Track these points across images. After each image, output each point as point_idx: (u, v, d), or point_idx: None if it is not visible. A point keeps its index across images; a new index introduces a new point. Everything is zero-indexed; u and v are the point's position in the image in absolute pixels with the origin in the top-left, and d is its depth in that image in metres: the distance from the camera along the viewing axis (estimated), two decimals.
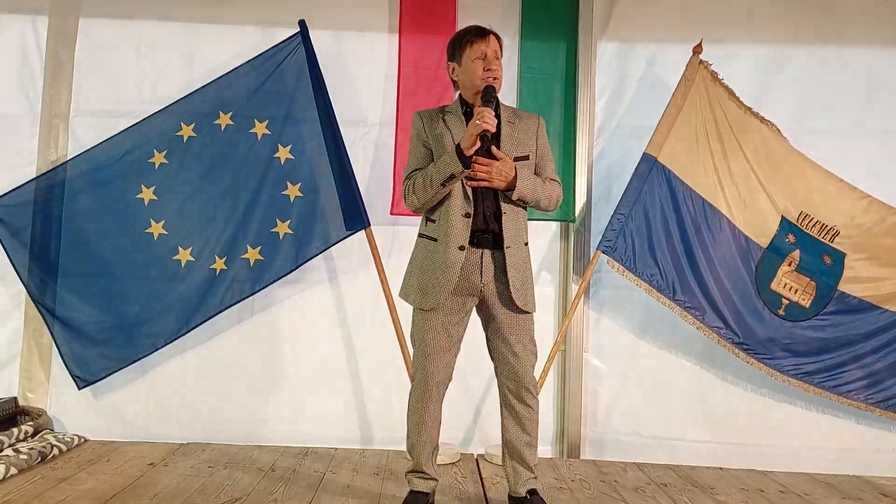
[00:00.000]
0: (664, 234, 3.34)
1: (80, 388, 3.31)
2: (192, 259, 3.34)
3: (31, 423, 3.26)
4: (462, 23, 3.57)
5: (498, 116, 2.42)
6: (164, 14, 3.58)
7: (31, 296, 3.33)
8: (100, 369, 3.31)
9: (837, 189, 3.38)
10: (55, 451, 3.07)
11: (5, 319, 3.47)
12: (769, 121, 3.39)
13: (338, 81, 3.49)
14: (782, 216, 3.38)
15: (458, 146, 2.31)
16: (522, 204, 2.46)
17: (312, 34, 3.39)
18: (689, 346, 3.50)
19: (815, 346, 3.39)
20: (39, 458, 2.97)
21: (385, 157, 3.54)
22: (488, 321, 2.49)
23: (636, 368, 3.54)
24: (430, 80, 3.55)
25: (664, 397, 3.52)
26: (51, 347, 3.40)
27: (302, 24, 3.39)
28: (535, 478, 2.55)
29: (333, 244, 3.37)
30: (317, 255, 3.37)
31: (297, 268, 3.35)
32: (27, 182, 3.33)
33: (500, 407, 2.54)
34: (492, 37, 2.45)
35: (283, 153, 3.39)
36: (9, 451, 2.94)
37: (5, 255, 3.31)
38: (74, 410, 3.41)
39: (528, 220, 2.54)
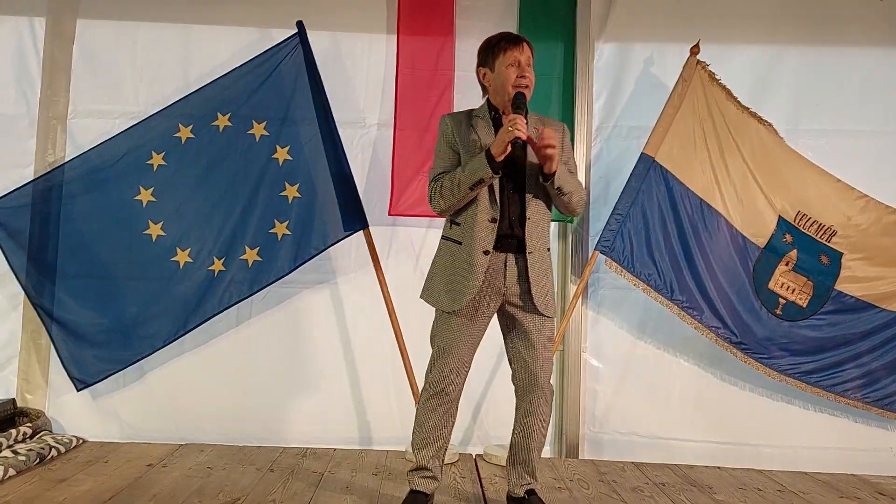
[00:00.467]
0: (662, 234, 3.34)
1: (78, 390, 3.31)
2: (190, 260, 3.33)
3: (29, 424, 3.25)
4: (461, 24, 3.59)
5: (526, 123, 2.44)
6: (161, 15, 3.58)
7: (29, 298, 3.33)
8: (98, 371, 3.31)
9: (834, 189, 3.39)
10: (53, 452, 3.07)
11: (3, 321, 3.47)
12: (766, 121, 3.40)
13: (336, 82, 3.49)
14: (779, 216, 3.39)
15: (488, 151, 2.33)
16: (548, 206, 2.48)
17: (310, 35, 3.40)
18: (687, 345, 3.51)
19: (813, 345, 3.40)
20: (38, 460, 2.96)
21: (383, 157, 3.54)
22: (510, 325, 2.49)
23: (634, 368, 3.55)
24: (429, 81, 3.55)
25: (662, 397, 3.53)
26: (49, 349, 3.40)
27: (300, 24, 3.39)
28: (537, 481, 2.56)
29: (332, 245, 3.37)
30: (315, 255, 3.37)
31: (295, 268, 3.35)
32: (25, 184, 3.33)
33: (516, 410, 2.53)
34: (525, 44, 2.46)
35: (282, 154, 3.39)
36: (7, 453, 2.93)
37: (3, 258, 3.30)
38: (73, 412, 3.41)
39: None
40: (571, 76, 3.55)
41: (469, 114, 2.53)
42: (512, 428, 2.54)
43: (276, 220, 3.35)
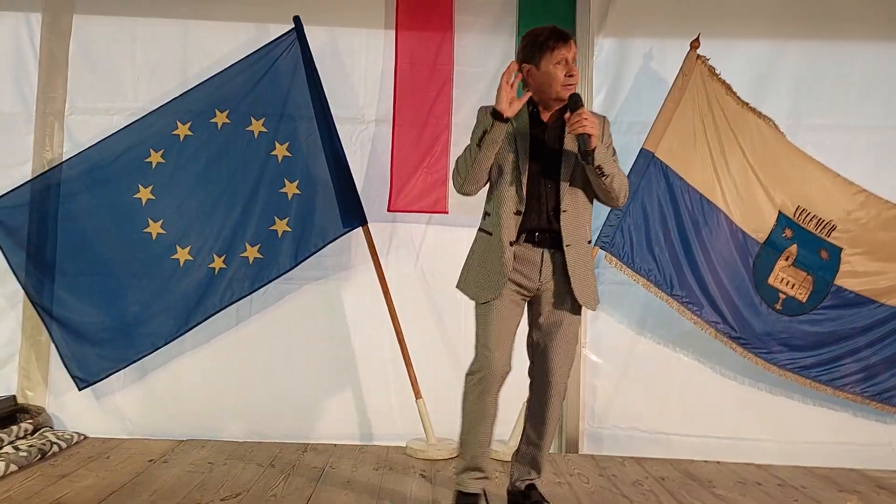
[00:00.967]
0: (662, 230, 3.35)
1: (80, 389, 3.32)
2: (190, 258, 3.33)
3: (30, 420, 3.27)
4: (459, 19, 3.57)
5: (562, 116, 2.40)
6: (158, 11, 3.57)
7: (28, 297, 3.33)
8: (99, 370, 3.31)
9: (834, 184, 3.39)
10: (55, 448, 3.08)
11: (3, 318, 3.48)
12: (766, 116, 3.40)
13: (334, 78, 3.49)
14: (779, 211, 3.39)
15: (494, 109, 2.31)
16: (588, 198, 2.44)
17: (308, 30, 3.39)
18: (687, 340, 3.51)
19: (812, 340, 3.40)
20: (39, 456, 2.97)
21: (382, 153, 3.53)
22: (537, 319, 2.46)
23: (634, 363, 3.55)
24: (428, 77, 3.54)
25: (662, 392, 3.53)
26: (49, 346, 3.40)
27: (297, 20, 3.38)
28: (540, 477, 2.56)
29: (331, 241, 3.37)
30: (315, 252, 3.37)
31: (296, 265, 3.36)
32: (23, 183, 3.32)
33: (527, 403, 2.52)
34: (572, 42, 2.41)
35: (281, 151, 3.39)
36: (8, 449, 2.94)
37: (1, 256, 3.30)
38: (73, 408, 3.42)
39: None
40: None
41: None
42: (514, 423, 2.54)
43: (276, 217, 3.35)
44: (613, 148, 2.54)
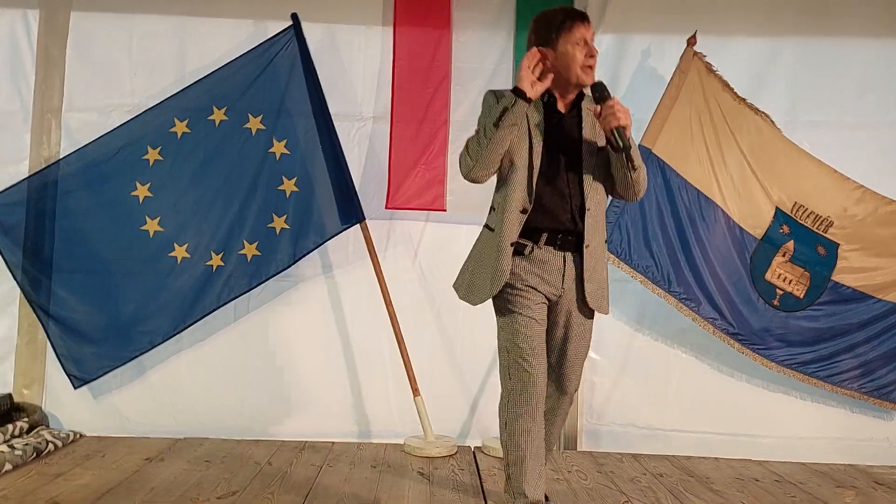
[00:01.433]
0: (659, 226, 3.35)
1: (76, 388, 3.31)
2: (187, 256, 3.32)
3: (25, 419, 3.25)
4: (457, 15, 3.56)
5: (580, 104, 2.30)
6: (156, 8, 3.56)
7: (25, 295, 3.32)
8: (96, 368, 3.30)
9: (831, 180, 3.39)
10: (50, 446, 3.07)
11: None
12: (763, 112, 3.40)
13: (332, 75, 3.48)
14: (776, 207, 3.39)
15: (516, 87, 2.14)
16: (605, 193, 2.30)
17: (305, 27, 3.38)
18: (685, 337, 3.51)
19: (810, 336, 3.41)
20: (34, 454, 2.96)
21: (380, 150, 3.52)
22: (552, 323, 2.30)
23: (632, 360, 3.55)
24: (426, 73, 3.53)
25: (660, 388, 3.53)
26: (45, 344, 3.39)
27: (294, 17, 3.38)
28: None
29: (329, 238, 3.37)
30: (314, 249, 3.37)
31: (294, 262, 3.35)
32: (20, 181, 3.31)
33: None
34: (589, 21, 2.26)
35: (279, 148, 3.38)
36: (3, 447, 2.93)
37: None
38: (70, 407, 3.40)
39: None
40: None
41: None
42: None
43: (274, 215, 3.35)
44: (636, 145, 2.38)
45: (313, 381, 3.47)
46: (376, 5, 3.58)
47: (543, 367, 2.23)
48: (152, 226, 3.33)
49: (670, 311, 3.39)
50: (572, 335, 2.30)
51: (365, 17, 3.58)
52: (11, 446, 2.95)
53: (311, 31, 3.41)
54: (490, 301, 2.29)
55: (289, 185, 3.37)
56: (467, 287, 2.31)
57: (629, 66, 3.60)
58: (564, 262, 2.24)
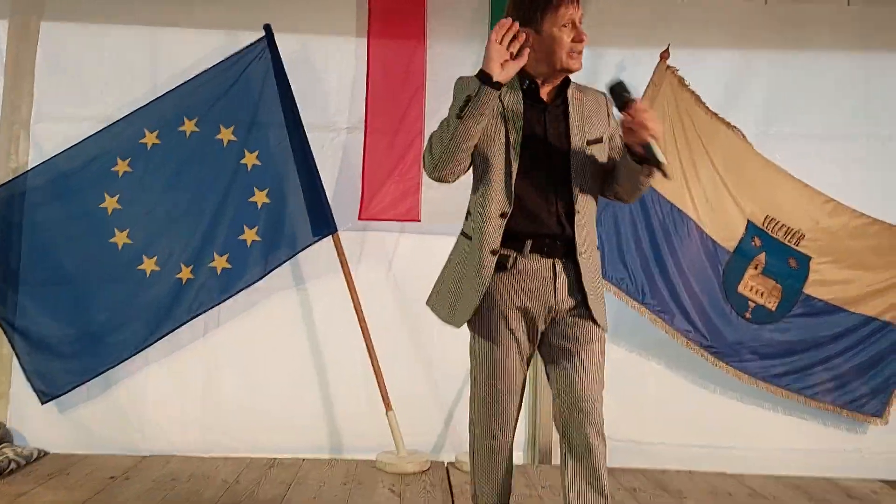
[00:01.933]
0: (633, 239, 3.35)
1: (43, 403, 3.24)
2: (157, 268, 3.28)
3: None
4: (432, 26, 3.55)
5: (565, 92, 2.03)
6: (128, 18, 3.51)
7: None
8: (64, 383, 3.24)
9: (802, 193, 3.40)
10: (13, 465, 3.00)
11: None
12: (735, 126, 3.41)
13: (305, 86, 3.45)
14: (748, 220, 3.40)
15: (482, 71, 1.83)
16: (594, 196, 2.03)
17: (278, 38, 3.36)
18: (659, 349, 3.51)
19: (783, 348, 3.42)
20: None
21: (354, 161, 3.50)
22: (556, 349, 2.00)
23: (607, 372, 3.51)
24: (400, 84, 3.51)
25: (634, 401, 3.51)
26: (11, 358, 3.32)
27: (267, 28, 3.35)
28: None
29: (301, 250, 3.34)
30: (285, 261, 3.33)
31: (265, 275, 3.31)
32: None
33: (560, 446, 2.01)
34: (577, 0, 1.97)
35: (250, 159, 3.35)
36: None
37: None
38: (35, 422, 3.33)
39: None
40: None
41: None
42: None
43: (245, 227, 3.31)
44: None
45: (283, 395, 3.42)
46: (350, 16, 3.56)
47: (517, 404, 2.05)
48: (121, 238, 3.28)
49: (645, 324, 3.39)
50: (581, 355, 1.96)
51: (339, 28, 3.56)
52: None
53: (284, 42, 3.38)
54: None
55: (260, 197, 3.33)
56: (449, 307, 2.01)
57: (603, 80, 3.52)
58: (555, 270, 1.96)
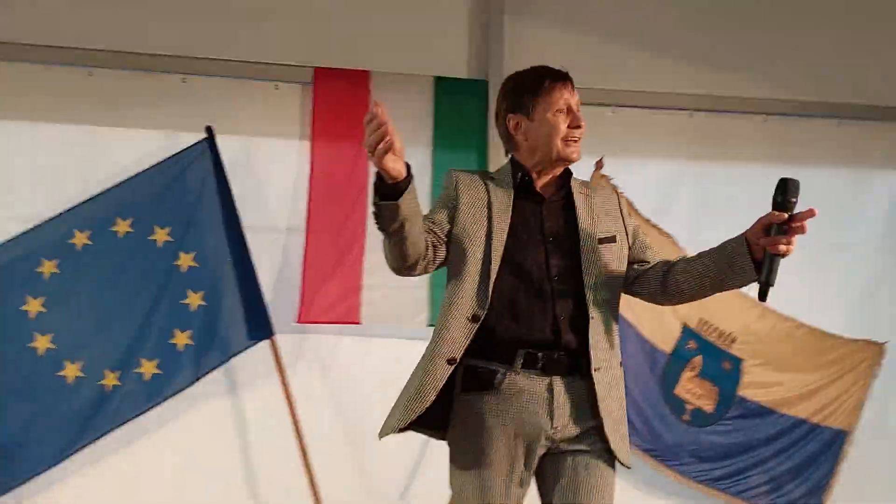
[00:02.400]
0: None
1: None
2: (81, 375, 3.11)
3: None
4: None
5: (569, 185, 1.85)
6: (66, 116, 3.46)
7: None
8: None
9: (731, 297, 3.49)
10: None
11: None
12: (667, 232, 3.55)
13: (246, 187, 3.43)
14: (684, 323, 3.50)
15: (378, 175, 1.57)
16: (616, 297, 1.78)
17: (221, 139, 3.36)
18: None
19: (721, 451, 3.46)
20: None
21: (294, 263, 3.46)
22: (555, 478, 1.70)
23: None
24: (343, 186, 3.54)
25: None
26: None
27: (209, 129, 3.36)
28: None
29: (235, 354, 3.24)
30: (218, 366, 3.23)
31: (196, 381, 3.19)
32: None
33: None
34: (572, 84, 1.82)
35: (186, 260, 3.28)
36: None
37: None
38: None
39: None
40: None
41: (484, 174, 1.89)
42: None
43: (177, 330, 3.21)
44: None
45: None
46: (294, 119, 3.59)
47: None
48: (42, 342, 3.12)
49: None
50: (585, 487, 1.66)
51: (282, 130, 3.58)
52: None
53: (226, 143, 3.38)
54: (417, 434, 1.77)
55: (195, 299, 3.25)
56: (394, 413, 1.74)
57: None
58: (552, 389, 1.68)
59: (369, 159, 1.54)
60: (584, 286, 1.72)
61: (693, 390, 3.46)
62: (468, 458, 1.70)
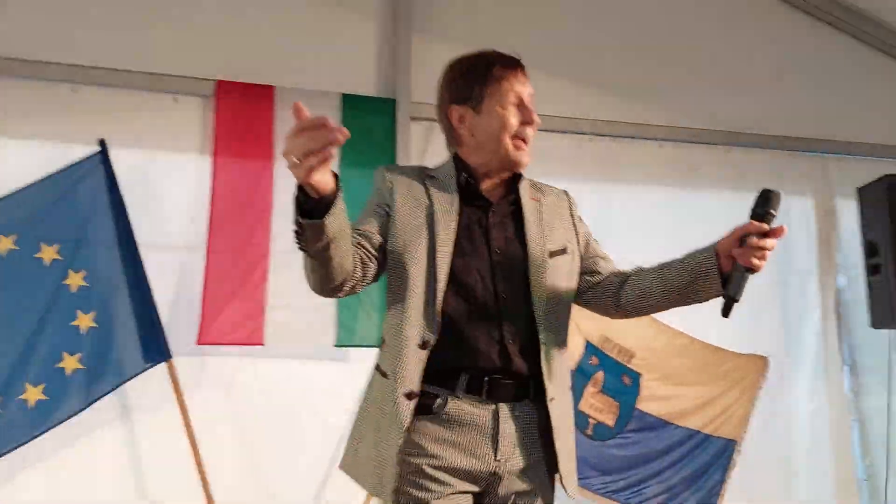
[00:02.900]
0: None
1: None
2: None
3: None
4: (279, 149, 3.55)
5: (518, 190, 1.67)
6: None
7: None
8: None
9: None
10: None
11: None
12: None
13: (142, 203, 3.29)
14: (586, 339, 3.60)
15: (299, 186, 1.32)
16: (566, 320, 1.66)
17: (117, 153, 3.22)
18: None
19: (622, 463, 3.56)
20: None
21: (193, 282, 3.33)
22: None
23: None
24: (246, 204, 3.45)
25: None
26: None
27: (102, 143, 3.21)
28: None
29: (130, 378, 3.08)
30: (111, 391, 3.06)
31: (87, 406, 3.01)
32: None
33: None
34: (524, 71, 1.63)
35: (76, 279, 3.10)
36: None
37: None
38: None
39: None
40: None
41: (421, 171, 1.68)
42: None
43: (65, 353, 3.02)
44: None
45: None
46: (194, 133, 3.48)
47: None
48: None
49: None
50: None
51: (181, 145, 3.46)
52: None
53: (121, 157, 3.24)
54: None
55: (85, 321, 3.08)
56: (376, 477, 1.55)
57: None
58: (497, 417, 1.55)
59: (292, 169, 1.28)
60: (534, 307, 1.58)
61: (595, 405, 3.56)
62: (409, 496, 1.55)
